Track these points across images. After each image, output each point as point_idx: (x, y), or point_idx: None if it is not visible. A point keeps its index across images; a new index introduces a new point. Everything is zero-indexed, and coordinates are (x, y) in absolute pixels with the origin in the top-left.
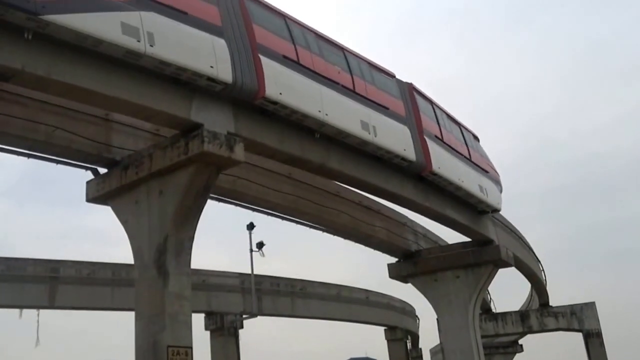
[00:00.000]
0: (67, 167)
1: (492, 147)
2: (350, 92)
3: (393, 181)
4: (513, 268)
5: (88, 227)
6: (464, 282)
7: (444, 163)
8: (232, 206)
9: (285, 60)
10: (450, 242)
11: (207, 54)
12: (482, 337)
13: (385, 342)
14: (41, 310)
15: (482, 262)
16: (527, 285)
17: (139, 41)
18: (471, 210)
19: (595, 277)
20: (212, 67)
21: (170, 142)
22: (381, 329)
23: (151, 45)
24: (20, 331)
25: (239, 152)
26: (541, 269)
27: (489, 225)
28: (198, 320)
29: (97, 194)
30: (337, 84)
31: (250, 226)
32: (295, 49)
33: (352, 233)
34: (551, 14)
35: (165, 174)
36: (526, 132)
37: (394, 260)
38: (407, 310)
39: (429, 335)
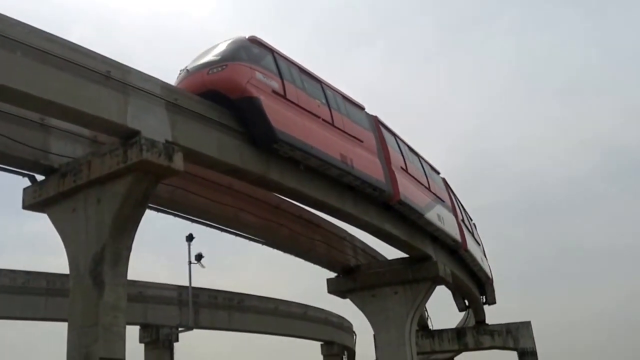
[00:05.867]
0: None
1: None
2: None
3: (333, 195)
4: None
5: (26, 234)
6: (401, 299)
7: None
8: (171, 217)
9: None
10: (389, 258)
11: (454, 227)
12: (419, 353)
13: (322, 357)
14: None
15: (420, 278)
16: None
17: (442, 224)
18: (409, 225)
19: (533, 296)
20: (455, 234)
21: (109, 150)
22: (318, 344)
23: (443, 224)
24: None
25: (178, 162)
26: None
27: (427, 242)
28: (133, 332)
29: (33, 201)
30: None
31: (189, 237)
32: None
33: (292, 246)
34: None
35: (104, 182)
36: (462, 147)
37: (333, 275)
38: (345, 326)
39: (365, 352)
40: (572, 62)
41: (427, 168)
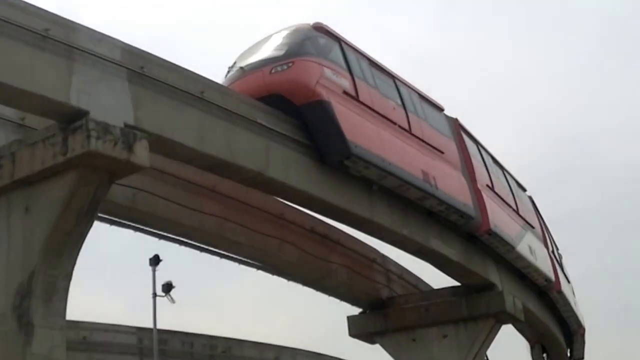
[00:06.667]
0: None
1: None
2: None
3: (361, 200)
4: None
5: None
6: (453, 344)
7: None
8: (131, 231)
9: None
10: (435, 286)
11: (546, 261)
12: None
13: None
14: None
15: (479, 315)
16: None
17: (534, 259)
18: (464, 242)
19: (633, 339)
20: (548, 271)
21: (43, 137)
22: None
23: (535, 259)
24: None
25: (142, 154)
26: None
27: (488, 264)
28: None
29: None
30: None
31: (155, 261)
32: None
33: (300, 272)
34: None
35: (35, 183)
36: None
37: (357, 311)
38: None
39: None
40: None
41: (513, 184)
